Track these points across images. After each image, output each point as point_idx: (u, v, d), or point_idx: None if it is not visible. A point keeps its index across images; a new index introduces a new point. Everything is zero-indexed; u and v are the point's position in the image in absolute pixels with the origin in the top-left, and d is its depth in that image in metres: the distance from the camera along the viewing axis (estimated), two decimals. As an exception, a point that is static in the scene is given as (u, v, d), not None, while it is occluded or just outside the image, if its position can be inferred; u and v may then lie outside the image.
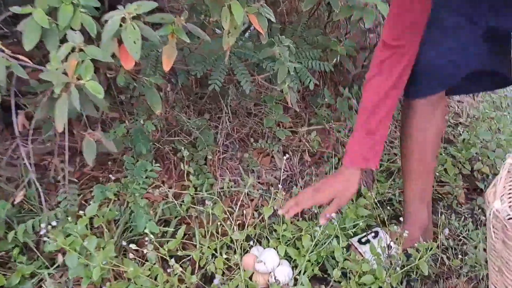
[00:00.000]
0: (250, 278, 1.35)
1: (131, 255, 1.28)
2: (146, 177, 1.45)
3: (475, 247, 1.47)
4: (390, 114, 1.28)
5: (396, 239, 1.34)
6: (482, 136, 1.85)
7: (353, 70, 1.86)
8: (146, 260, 1.32)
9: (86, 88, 0.95)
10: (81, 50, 1.02)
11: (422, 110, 1.30)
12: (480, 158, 1.81)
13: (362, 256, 1.38)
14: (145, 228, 1.32)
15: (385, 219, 1.55)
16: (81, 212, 1.24)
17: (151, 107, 1.29)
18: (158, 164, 1.47)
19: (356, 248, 1.41)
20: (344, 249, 1.36)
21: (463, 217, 1.63)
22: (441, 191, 1.73)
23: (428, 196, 1.43)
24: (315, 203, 1.34)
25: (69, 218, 1.28)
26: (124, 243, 1.31)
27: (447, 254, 1.42)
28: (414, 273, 1.36)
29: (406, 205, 1.43)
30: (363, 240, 1.42)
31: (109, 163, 1.75)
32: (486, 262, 1.38)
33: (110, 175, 1.48)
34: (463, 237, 1.54)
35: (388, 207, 1.60)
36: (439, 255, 1.39)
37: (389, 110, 1.26)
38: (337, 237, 1.37)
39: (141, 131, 1.56)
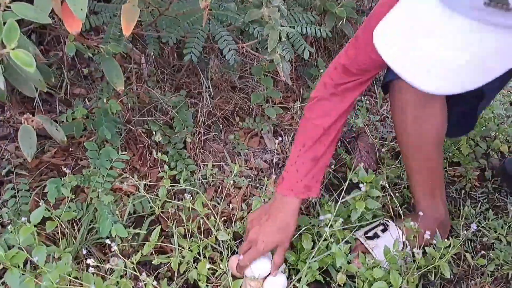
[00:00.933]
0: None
1: (94, 264, 1.04)
2: (111, 168, 1.20)
3: (498, 239, 1.27)
4: (337, 139, 1.14)
5: (413, 236, 1.13)
6: (498, 111, 1.64)
7: (352, 35, 1.61)
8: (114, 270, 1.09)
9: (13, 59, 0.70)
10: (7, 8, 0.75)
11: (415, 99, 1.09)
12: (497, 134, 1.60)
13: (370, 252, 1.17)
14: (110, 232, 1.08)
15: (393, 208, 1.34)
16: (23, 219, 0.99)
17: (110, 82, 1.04)
18: (125, 152, 1.23)
19: (362, 243, 1.20)
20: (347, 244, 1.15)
21: (480, 202, 1.43)
22: (452, 173, 1.53)
23: (440, 190, 1.22)
24: (258, 256, 1.12)
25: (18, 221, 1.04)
26: (84, 251, 1.07)
27: (469, 251, 1.22)
28: (433, 274, 1.16)
29: (415, 200, 1.23)
30: (370, 234, 1.21)
31: (71, 149, 1.49)
32: (514, 258, 1.19)
33: (66, 169, 1.23)
34: (482, 227, 1.33)
35: (397, 193, 1.38)
36: (461, 253, 1.18)
37: (337, 134, 1.13)
38: (344, 240, 1.16)
39: (105, 112, 1.31)
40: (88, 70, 1.70)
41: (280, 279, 1.15)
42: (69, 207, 1.18)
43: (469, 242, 1.29)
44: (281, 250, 1.11)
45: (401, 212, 1.16)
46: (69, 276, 1.01)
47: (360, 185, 1.17)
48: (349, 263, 1.11)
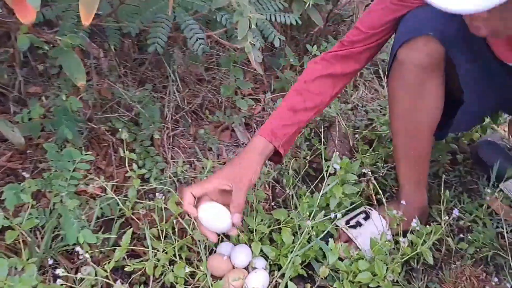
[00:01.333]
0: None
1: (64, 274, 0.95)
2: (75, 170, 1.11)
3: (474, 221, 1.27)
4: (321, 107, 1.15)
5: (397, 224, 1.11)
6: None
7: (320, 23, 1.57)
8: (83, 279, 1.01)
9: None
10: None
11: (412, 78, 1.06)
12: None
13: (353, 241, 1.15)
14: (77, 238, 1.00)
15: (372, 196, 1.32)
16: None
17: (70, 77, 0.95)
18: (90, 152, 1.14)
19: (345, 232, 1.17)
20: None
21: (453, 186, 1.43)
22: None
23: (425, 176, 1.21)
24: (203, 189, 1.02)
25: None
26: (50, 261, 0.99)
27: (448, 235, 1.21)
28: (415, 261, 1.14)
29: (400, 186, 1.21)
30: (353, 222, 1.18)
31: (28, 151, 1.39)
32: (492, 240, 1.20)
33: (25, 173, 1.14)
34: (456, 209, 1.33)
35: (373, 181, 1.36)
36: (443, 238, 1.17)
37: (323, 106, 1.15)
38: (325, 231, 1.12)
39: (64, 110, 1.21)
40: (43, 66, 1.59)
41: (262, 276, 1.10)
42: (30, 214, 1.08)
43: (447, 226, 1.29)
44: (241, 184, 1.00)
45: (383, 200, 1.14)
46: (35, 288, 0.92)
47: (335, 165, 1.14)
48: (340, 259, 1.08)
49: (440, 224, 1.12)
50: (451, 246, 1.17)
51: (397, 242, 1.14)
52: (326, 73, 1.13)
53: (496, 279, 1.08)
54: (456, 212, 1.07)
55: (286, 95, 1.14)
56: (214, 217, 1.02)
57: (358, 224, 1.18)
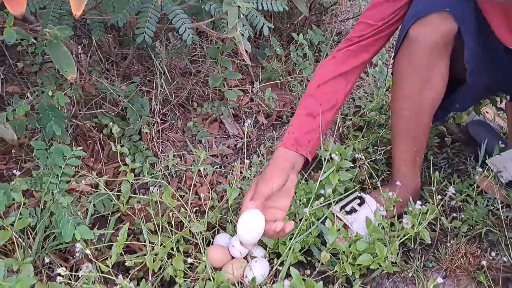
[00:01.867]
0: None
1: (65, 273, 0.93)
2: (66, 166, 1.09)
3: (465, 201, 1.30)
4: (337, 108, 1.17)
5: (393, 206, 1.12)
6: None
7: (305, 11, 1.57)
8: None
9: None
10: None
11: (424, 57, 1.06)
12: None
13: (349, 227, 1.15)
14: (74, 236, 0.98)
15: (364, 181, 1.33)
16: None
17: (60, 71, 0.92)
18: (80, 148, 1.11)
19: (340, 218, 1.17)
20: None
21: (442, 168, 1.45)
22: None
23: (421, 157, 1.22)
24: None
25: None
26: (47, 259, 0.96)
27: (442, 214, 1.23)
28: (412, 241, 1.16)
29: (396, 168, 1.22)
30: (347, 208, 1.19)
31: (13, 151, 1.35)
32: (484, 218, 1.22)
33: (15, 171, 1.10)
34: (447, 191, 1.35)
35: (364, 166, 1.37)
36: (437, 218, 1.19)
37: (340, 101, 1.16)
38: (323, 217, 1.12)
39: (50, 107, 1.18)
40: (22, 63, 1.54)
41: (262, 265, 1.10)
42: (21, 214, 1.05)
43: (440, 207, 1.31)
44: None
45: (378, 184, 1.15)
46: (33, 289, 0.90)
47: (333, 155, 1.14)
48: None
49: (433, 204, 1.14)
50: (445, 225, 1.19)
51: (392, 224, 1.15)
52: (338, 72, 1.14)
53: (493, 254, 1.10)
54: (452, 190, 1.09)
55: (300, 102, 1.15)
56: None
57: (353, 210, 1.18)
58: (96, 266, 0.98)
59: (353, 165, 1.24)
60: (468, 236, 1.20)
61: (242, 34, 1.21)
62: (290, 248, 1.08)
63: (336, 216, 1.18)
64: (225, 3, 1.15)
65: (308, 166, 1.17)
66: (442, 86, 1.09)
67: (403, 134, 1.17)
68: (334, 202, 1.17)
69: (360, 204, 1.19)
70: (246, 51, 1.26)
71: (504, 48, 1.05)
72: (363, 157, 1.18)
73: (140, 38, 1.14)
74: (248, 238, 1.01)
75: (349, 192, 1.24)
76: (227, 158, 1.46)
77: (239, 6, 1.14)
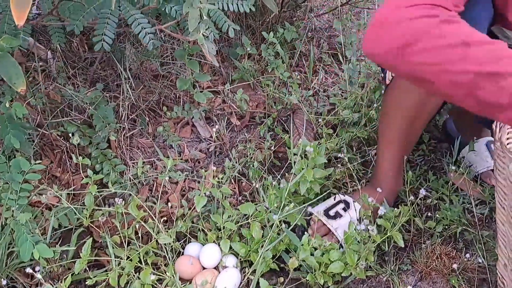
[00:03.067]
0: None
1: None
2: (25, 181, 1.04)
3: (441, 199, 1.28)
4: None
5: (371, 212, 1.10)
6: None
7: (275, 9, 1.53)
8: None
9: None
10: None
11: None
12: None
13: (334, 233, 1.12)
14: (32, 254, 0.94)
15: (339, 180, 1.31)
16: None
17: (9, 83, 0.88)
18: (39, 161, 1.07)
19: (324, 224, 1.13)
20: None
21: (418, 165, 1.43)
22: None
23: (404, 160, 1.19)
24: None
25: None
26: (4, 281, 0.92)
27: (416, 215, 1.21)
28: (386, 245, 1.13)
29: (381, 172, 1.18)
30: (332, 213, 1.15)
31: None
32: (460, 216, 1.20)
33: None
34: (424, 189, 1.33)
35: (340, 165, 1.34)
36: (410, 218, 1.17)
37: None
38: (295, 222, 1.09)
39: (9, 118, 1.13)
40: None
41: (233, 275, 1.07)
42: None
43: (414, 206, 1.29)
44: None
45: (359, 186, 1.12)
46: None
47: (307, 148, 1.11)
48: (311, 254, 1.05)
49: (407, 205, 1.11)
50: (419, 226, 1.17)
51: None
52: None
53: (467, 255, 1.08)
54: (423, 192, 1.07)
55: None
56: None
57: (338, 215, 1.14)
58: (58, 285, 0.95)
59: (326, 165, 1.21)
60: (443, 236, 1.18)
61: (207, 36, 1.17)
62: (261, 256, 1.05)
63: (319, 219, 1.15)
64: (185, 5, 1.11)
65: None
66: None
67: (395, 140, 1.13)
68: (309, 208, 1.14)
69: (345, 209, 1.15)
70: (213, 53, 1.22)
71: None
72: (344, 155, 1.15)
73: (98, 45, 1.09)
74: None
75: (325, 193, 1.21)
76: (199, 162, 1.42)
77: (200, 8, 1.10)
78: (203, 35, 1.15)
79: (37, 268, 0.92)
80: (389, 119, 1.13)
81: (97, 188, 1.12)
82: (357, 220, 1.11)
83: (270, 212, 1.14)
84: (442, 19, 0.72)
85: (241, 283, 1.08)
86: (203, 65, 1.66)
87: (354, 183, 1.30)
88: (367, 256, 1.02)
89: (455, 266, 0.98)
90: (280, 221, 1.09)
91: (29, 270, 0.87)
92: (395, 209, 1.09)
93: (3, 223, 1.09)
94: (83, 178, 1.34)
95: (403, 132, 1.12)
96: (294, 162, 1.14)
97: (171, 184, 1.34)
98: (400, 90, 1.08)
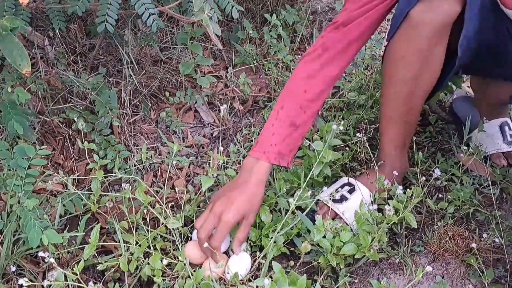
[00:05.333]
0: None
1: (26, 283, 0.87)
2: (30, 167, 1.02)
3: (451, 180, 1.26)
4: (318, 110, 1.10)
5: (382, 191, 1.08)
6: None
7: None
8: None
9: None
10: None
11: (426, 41, 1.00)
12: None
13: (341, 217, 1.10)
14: (41, 240, 0.92)
15: (348, 163, 1.29)
16: None
17: (14, 65, 0.85)
18: (45, 146, 1.05)
19: (330, 208, 1.12)
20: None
21: (426, 147, 1.41)
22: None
23: (409, 140, 1.18)
24: (225, 234, 1.02)
25: None
26: (13, 268, 0.90)
27: (427, 196, 1.19)
28: (398, 226, 1.12)
29: (385, 152, 1.17)
30: (337, 196, 1.13)
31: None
32: (471, 197, 1.19)
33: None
34: (433, 171, 1.32)
35: (347, 148, 1.33)
36: (422, 200, 1.15)
37: (322, 104, 1.10)
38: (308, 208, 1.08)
39: (11, 104, 1.10)
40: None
41: (244, 258, 1.05)
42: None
43: (425, 188, 1.28)
44: (246, 224, 1.02)
45: (364, 167, 1.10)
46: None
47: (334, 126, 1.11)
48: (324, 237, 1.04)
49: (418, 186, 1.10)
50: (431, 207, 1.16)
51: (380, 210, 1.11)
52: (325, 74, 1.07)
53: (484, 235, 1.07)
54: (437, 172, 1.05)
55: (283, 104, 1.07)
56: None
57: (344, 198, 1.13)
58: (68, 271, 0.92)
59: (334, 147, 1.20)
60: (455, 217, 1.17)
61: (210, 17, 1.14)
62: (273, 241, 1.04)
63: (325, 204, 1.13)
64: (191, -15, 1.08)
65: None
66: (439, 69, 1.04)
67: (395, 118, 1.12)
68: (319, 186, 1.12)
69: (350, 192, 1.14)
70: (217, 35, 1.19)
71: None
72: (362, 135, 1.14)
73: (101, 26, 1.06)
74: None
75: (334, 178, 1.19)
76: (203, 148, 1.40)
77: (205, -13, 1.08)
78: (208, 16, 1.12)
79: (46, 255, 0.89)
80: (387, 96, 1.12)
81: (103, 174, 1.10)
82: (371, 202, 1.10)
83: (278, 197, 1.12)
84: None
85: (251, 267, 1.06)
86: (204, 50, 1.63)
87: (361, 166, 1.29)
88: (380, 237, 1.01)
89: (474, 245, 0.97)
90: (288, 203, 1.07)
91: (41, 253, 0.85)
92: (408, 190, 1.07)
93: (9, 211, 1.07)
94: (87, 165, 1.32)
95: (401, 110, 1.11)
96: (302, 146, 1.12)
97: (176, 170, 1.32)
98: (392, 61, 1.08)
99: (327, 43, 1.06)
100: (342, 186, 1.15)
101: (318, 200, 1.13)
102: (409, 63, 1.03)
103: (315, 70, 1.06)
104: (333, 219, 1.10)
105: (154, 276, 1.02)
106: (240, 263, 1.04)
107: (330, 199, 1.11)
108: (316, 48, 1.08)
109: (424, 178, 1.12)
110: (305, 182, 1.08)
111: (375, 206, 1.05)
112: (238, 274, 1.01)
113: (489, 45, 1.04)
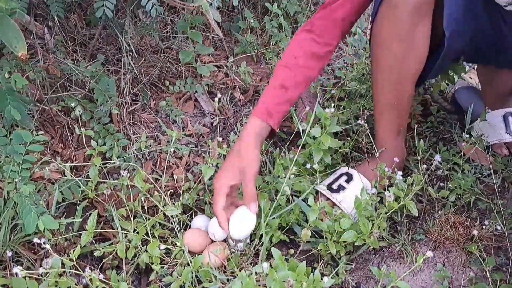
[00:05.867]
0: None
1: (21, 270, 0.86)
2: (27, 153, 1.01)
3: (453, 169, 1.25)
4: (309, 83, 1.12)
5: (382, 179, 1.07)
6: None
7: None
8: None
9: None
10: None
11: (406, 22, 0.99)
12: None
13: (338, 206, 1.09)
14: (37, 226, 0.91)
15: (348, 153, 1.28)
16: None
17: (9, 47, 0.84)
18: (41, 132, 1.04)
19: (328, 198, 1.11)
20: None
21: (427, 137, 1.40)
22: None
23: (404, 126, 1.16)
24: (217, 199, 1.01)
25: None
26: (9, 253, 0.89)
27: (430, 185, 1.18)
28: (398, 214, 1.11)
29: (380, 140, 1.16)
30: (334, 186, 1.12)
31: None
32: (472, 186, 1.18)
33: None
34: (433, 160, 1.30)
35: (348, 138, 1.31)
36: (423, 188, 1.14)
37: (312, 76, 1.11)
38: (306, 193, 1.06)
39: (9, 90, 1.09)
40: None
41: (246, 216, 1.03)
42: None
43: (426, 177, 1.26)
44: (245, 179, 1.00)
45: (363, 157, 1.09)
46: (-6, 285, 0.83)
47: (327, 109, 1.11)
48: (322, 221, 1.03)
49: (419, 174, 1.09)
50: (432, 196, 1.15)
51: (381, 199, 1.09)
52: (315, 50, 1.09)
53: (486, 222, 1.06)
54: (438, 158, 1.04)
55: (275, 71, 1.10)
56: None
57: (341, 187, 1.12)
58: (65, 258, 0.92)
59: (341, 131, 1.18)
60: (457, 206, 1.15)
61: (210, 4, 1.14)
62: (265, 223, 1.02)
63: (322, 194, 1.12)
64: (190, -30, 1.07)
65: (271, 138, 1.17)
66: (425, 50, 1.03)
67: (387, 104, 1.11)
68: (319, 175, 1.11)
69: (348, 181, 1.13)
70: (217, 22, 1.18)
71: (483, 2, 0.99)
72: (363, 122, 1.13)
73: (100, 11, 1.05)
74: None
75: (333, 170, 1.18)
76: (203, 137, 1.39)
77: (205, -28, 1.06)
78: (207, 1, 1.11)
79: (42, 241, 0.88)
80: (376, 81, 1.11)
81: (101, 161, 1.09)
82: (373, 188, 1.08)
83: (277, 183, 1.11)
84: None
85: (250, 247, 1.05)
86: (204, 40, 1.62)
87: (362, 155, 1.27)
88: (380, 223, 1.00)
89: (475, 232, 0.96)
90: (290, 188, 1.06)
91: (36, 240, 0.84)
92: (408, 177, 1.06)
93: (6, 197, 1.06)
94: (85, 154, 1.31)
95: (392, 94, 1.10)
96: (303, 131, 1.11)
97: (176, 159, 1.31)
98: (376, 45, 1.07)
99: (313, 21, 1.10)
100: (340, 177, 1.14)
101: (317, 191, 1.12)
102: (391, 46, 1.02)
103: (304, 41, 1.10)
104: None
105: (152, 263, 1.01)
106: (241, 221, 1.02)
107: (327, 189, 1.10)
108: (307, 23, 1.12)
109: (425, 166, 1.11)
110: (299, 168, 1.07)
111: (374, 190, 1.03)
112: (240, 233, 1.00)
113: (484, 31, 1.03)
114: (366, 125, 1.17)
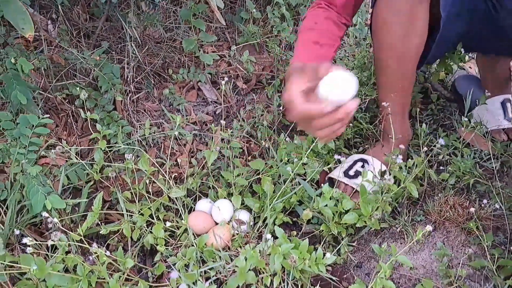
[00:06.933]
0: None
1: (32, 242, 0.87)
2: (34, 137, 1.03)
3: (453, 154, 1.27)
4: (336, 49, 1.09)
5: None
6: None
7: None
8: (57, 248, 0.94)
9: None
10: None
11: (405, 2, 1.00)
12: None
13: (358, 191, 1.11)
14: (44, 206, 0.93)
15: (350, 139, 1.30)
16: None
17: (16, 27, 0.86)
18: (48, 115, 1.05)
19: (347, 184, 1.13)
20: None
21: (427, 124, 1.41)
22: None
23: (408, 107, 1.18)
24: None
25: None
26: (17, 231, 0.91)
27: (432, 168, 1.20)
28: (401, 197, 1.12)
29: (384, 123, 1.17)
30: (351, 172, 1.14)
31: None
32: (471, 169, 1.19)
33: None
34: (434, 146, 1.32)
35: (350, 124, 1.33)
36: (424, 171, 1.16)
37: (338, 45, 1.10)
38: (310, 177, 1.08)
39: (15, 75, 1.11)
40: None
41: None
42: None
43: (426, 162, 1.28)
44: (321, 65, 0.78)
45: (369, 143, 1.10)
46: (3, 262, 0.85)
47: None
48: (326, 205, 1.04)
49: (420, 157, 1.10)
50: (432, 178, 1.16)
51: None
52: (331, 18, 1.10)
53: (484, 201, 1.07)
54: (441, 142, 1.06)
55: (301, 36, 1.07)
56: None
57: (358, 173, 1.13)
58: (68, 235, 0.93)
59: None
60: (456, 188, 1.17)
61: (214, -10, 1.15)
62: (270, 207, 1.04)
63: (341, 182, 1.13)
64: (194, -44, 1.09)
65: None
66: (424, 30, 1.04)
67: (390, 85, 1.12)
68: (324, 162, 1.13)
69: (363, 166, 1.15)
70: (219, 8, 1.20)
71: None
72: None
73: (105, -4, 1.07)
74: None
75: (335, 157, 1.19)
76: (206, 125, 1.41)
77: (208, -42, 1.08)
78: (211, -12, 1.13)
79: (49, 218, 0.90)
80: (380, 62, 1.12)
81: (106, 146, 1.11)
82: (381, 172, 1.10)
83: (279, 168, 1.13)
84: None
85: (253, 230, 1.06)
86: (207, 30, 1.64)
87: (364, 141, 1.29)
88: (384, 206, 1.01)
89: (472, 209, 0.97)
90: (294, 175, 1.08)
91: (44, 213, 0.85)
92: (409, 160, 1.08)
93: (12, 180, 1.08)
94: (89, 141, 1.33)
95: (394, 76, 1.11)
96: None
97: (179, 146, 1.32)
98: (377, 28, 1.07)
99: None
100: (355, 163, 1.15)
101: (330, 178, 1.13)
102: (392, 27, 1.04)
103: (321, 11, 1.11)
104: (350, 195, 1.10)
105: (157, 244, 1.02)
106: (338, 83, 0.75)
107: (344, 176, 1.11)
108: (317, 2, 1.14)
109: (426, 149, 1.13)
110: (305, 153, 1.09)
111: (390, 176, 1.04)
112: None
113: (481, 13, 1.05)
114: (367, 114, 1.18)
